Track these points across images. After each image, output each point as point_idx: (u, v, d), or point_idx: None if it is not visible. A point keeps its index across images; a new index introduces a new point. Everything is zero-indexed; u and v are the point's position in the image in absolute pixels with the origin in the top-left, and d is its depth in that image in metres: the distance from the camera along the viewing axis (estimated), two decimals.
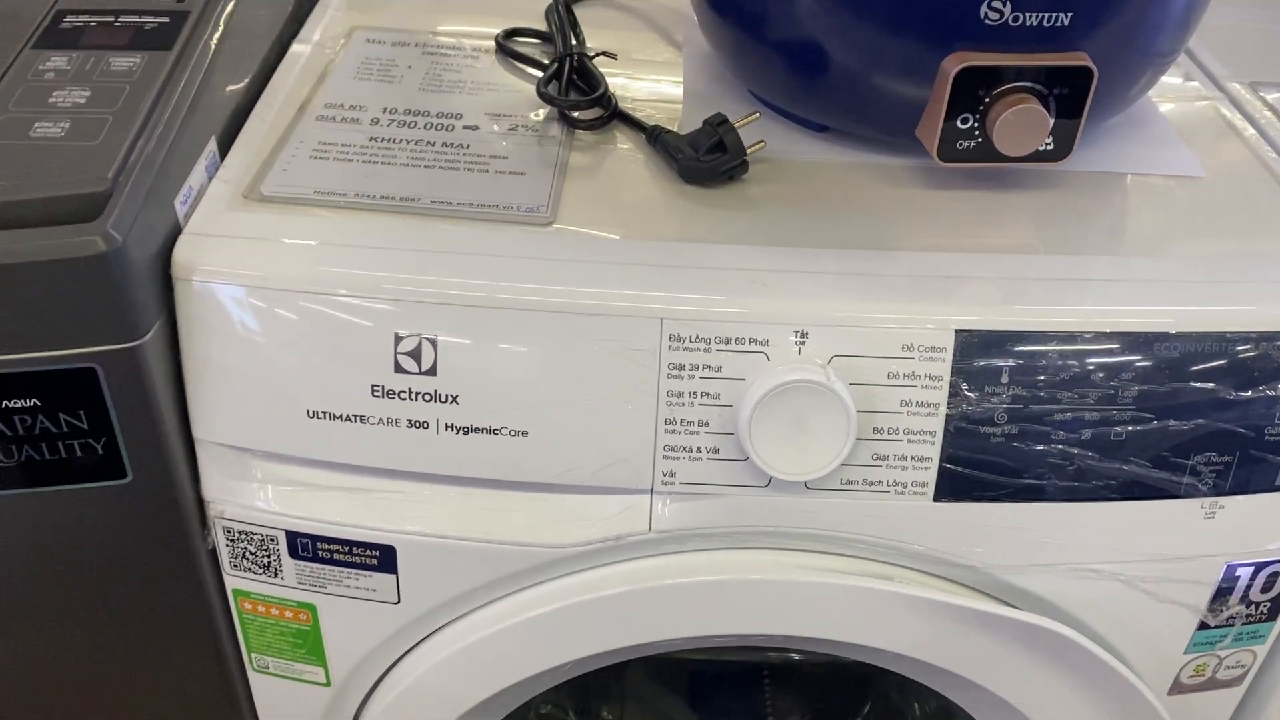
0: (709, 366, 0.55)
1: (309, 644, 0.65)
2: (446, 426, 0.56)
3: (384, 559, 0.61)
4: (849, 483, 0.57)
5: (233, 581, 0.64)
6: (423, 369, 0.55)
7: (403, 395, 0.56)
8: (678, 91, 0.72)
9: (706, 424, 0.56)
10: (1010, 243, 0.60)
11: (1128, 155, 0.67)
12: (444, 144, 0.65)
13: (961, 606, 0.59)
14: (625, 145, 0.67)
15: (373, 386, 0.56)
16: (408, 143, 0.65)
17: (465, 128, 0.66)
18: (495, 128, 0.67)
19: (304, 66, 0.71)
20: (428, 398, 0.56)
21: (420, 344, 0.55)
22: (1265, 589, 0.63)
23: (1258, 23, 0.85)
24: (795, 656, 0.98)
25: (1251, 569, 0.62)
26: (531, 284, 0.55)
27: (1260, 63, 0.79)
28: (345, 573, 0.61)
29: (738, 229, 0.60)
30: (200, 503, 0.61)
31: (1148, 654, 0.65)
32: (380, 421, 0.56)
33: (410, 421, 0.56)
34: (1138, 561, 0.60)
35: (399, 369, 0.55)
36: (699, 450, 0.57)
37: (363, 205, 0.59)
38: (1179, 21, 0.62)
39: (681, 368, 0.55)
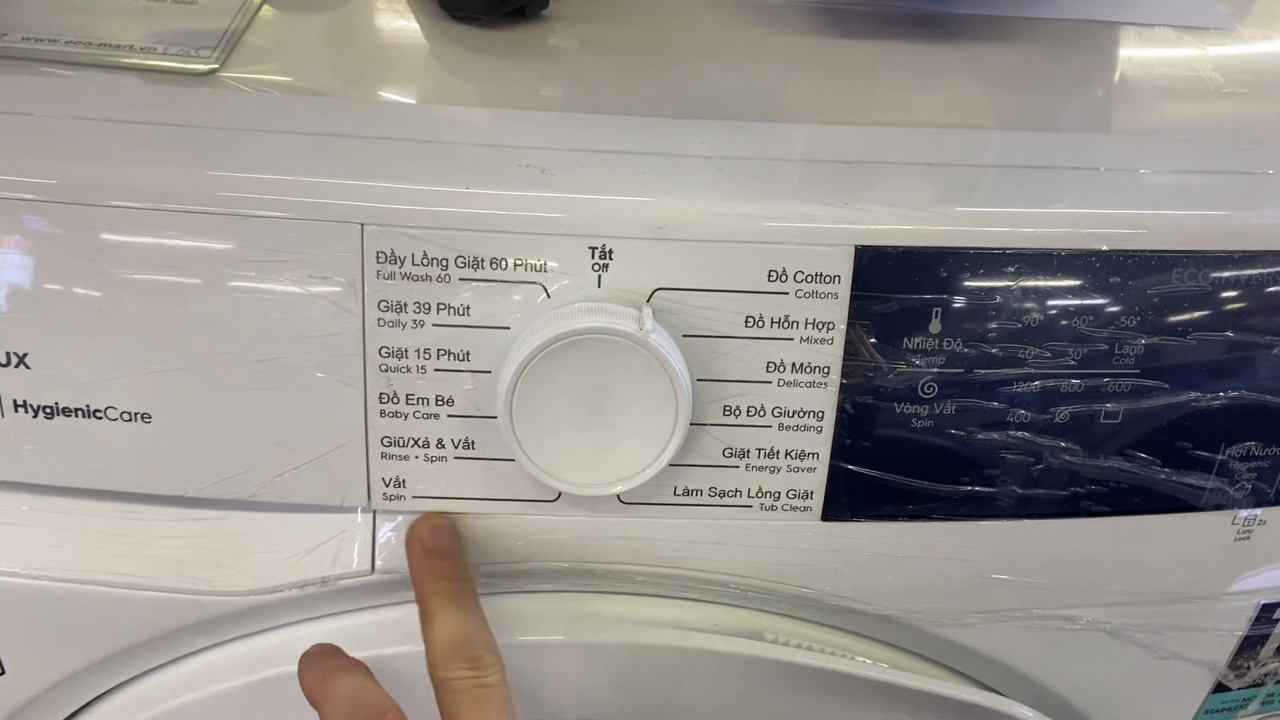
0: (448, 306, 0.33)
1: None
2: (16, 405, 0.34)
3: None
4: (686, 494, 0.36)
5: None
6: None
7: None
8: None
9: (450, 402, 0.34)
10: (947, 116, 0.38)
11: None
12: None
13: (865, 679, 0.38)
14: None
15: None
16: None
17: None
18: None
19: None
20: None
21: None
22: None
23: None
24: None
25: None
26: (145, 165, 0.32)
27: None
28: None
29: (514, 86, 0.37)
30: None
31: None
32: None
33: None
34: (1131, 604, 0.40)
35: None
36: (439, 444, 0.35)
37: None
38: None
39: (401, 307, 0.33)
